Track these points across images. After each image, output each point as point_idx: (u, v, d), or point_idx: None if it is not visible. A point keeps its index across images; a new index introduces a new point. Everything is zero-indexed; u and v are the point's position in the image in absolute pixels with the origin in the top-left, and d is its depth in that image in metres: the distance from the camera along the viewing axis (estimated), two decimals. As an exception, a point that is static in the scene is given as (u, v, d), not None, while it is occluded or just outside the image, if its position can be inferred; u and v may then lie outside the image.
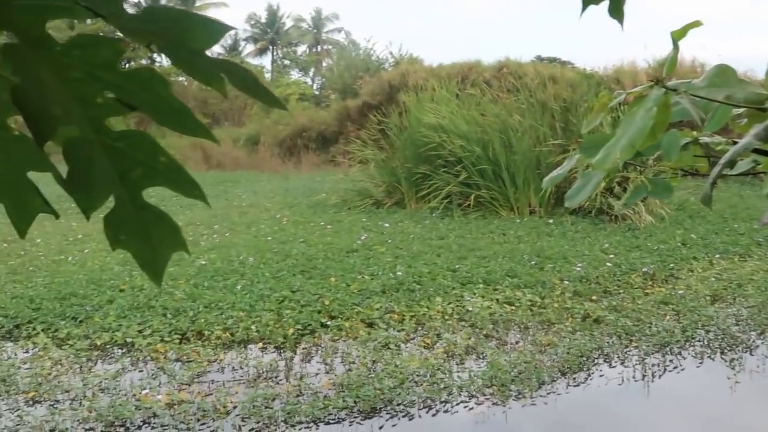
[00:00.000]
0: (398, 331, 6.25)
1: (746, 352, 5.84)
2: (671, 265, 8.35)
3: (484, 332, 6.23)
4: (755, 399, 5.25)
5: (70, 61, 0.67)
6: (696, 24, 1.53)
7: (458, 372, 5.43)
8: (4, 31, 0.68)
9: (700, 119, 1.55)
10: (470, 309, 6.73)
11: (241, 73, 0.69)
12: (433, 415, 4.82)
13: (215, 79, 0.68)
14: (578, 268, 8.04)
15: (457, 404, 4.96)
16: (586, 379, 5.39)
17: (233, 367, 5.54)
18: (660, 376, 5.46)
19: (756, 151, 1.69)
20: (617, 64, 21.13)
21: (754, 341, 6.05)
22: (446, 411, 4.88)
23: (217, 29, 0.66)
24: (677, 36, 1.53)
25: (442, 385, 5.16)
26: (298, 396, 5.02)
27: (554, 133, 12.64)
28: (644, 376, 5.45)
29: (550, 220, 11.14)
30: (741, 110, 1.63)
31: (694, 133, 1.82)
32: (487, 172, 12.23)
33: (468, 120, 13.16)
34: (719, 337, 6.15)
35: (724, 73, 1.51)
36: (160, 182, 0.72)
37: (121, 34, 0.66)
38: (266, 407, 4.82)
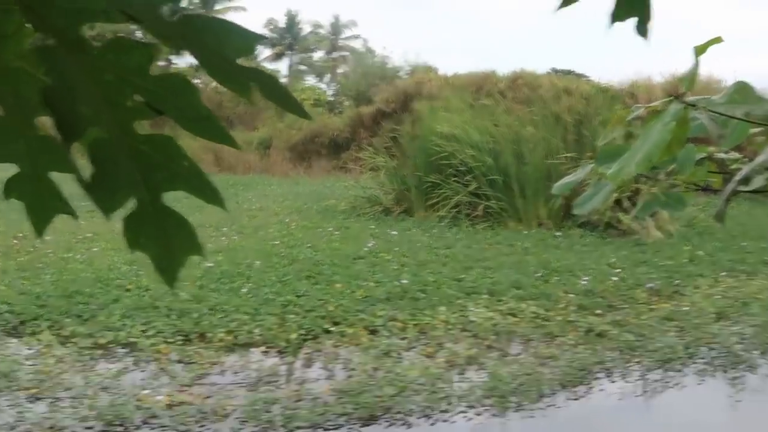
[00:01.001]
0: (401, 339, 6.25)
1: (749, 370, 5.80)
2: (677, 281, 8.31)
3: (487, 343, 6.23)
4: (756, 418, 5.22)
5: (103, 64, 0.68)
6: (717, 40, 1.54)
7: (459, 382, 5.44)
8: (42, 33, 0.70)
9: (719, 136, 1.56)
10: (474, 319, 6.72)
11: (271, 83, 0.70)
12: (432, 424, 4.83)
13: (246, 89, 0.70)
14: (584, 282, 8.02)
15: (456, 414, 4.96)
16: (586, 393, 5.38)
17: (235, 371, 5.56)
18: (661, 392, 5.44)
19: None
20: (633, 78, 21.11)
21: (756, 360, 6.01)
22: (445, 420, 4.88)
23: (251, 38, 0.68)
24: (698, 52, 1.54)
25: (441, 395, 5.16)
26: (297, 401, 5.03)
27: (567, 145, 12.62)
28: (645, 391, 5.43)
29: (558, 233, 11.12)
30: (760, 128, 1.63)
31: (710, 148, 1.83)
32: (497, 183, 12.22)
33: (481, 130, 13.18)
34: (722, 355, 6.11)
35: (743, 90, 1.52)
36: (182, 186, 0.73)
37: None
38: (266, 411, 4.84)
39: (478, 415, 4.96)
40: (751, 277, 8.56)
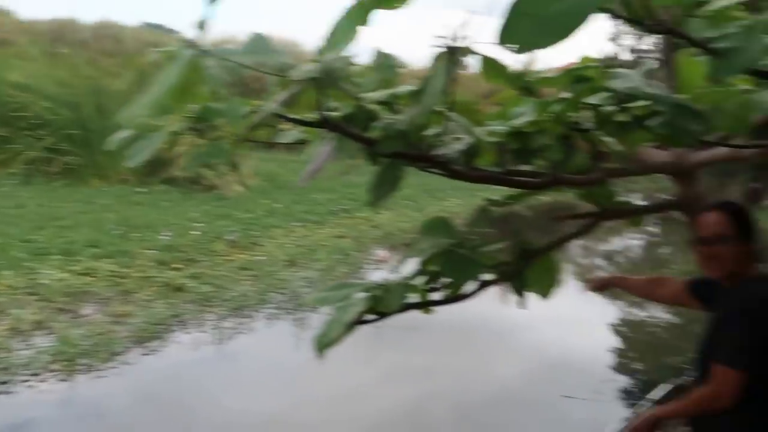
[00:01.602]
0: (-49, 311, 5.61)
1: (311, 311, 6.36)
2: (255, 232, 8.76)
3: (57, 306, 5.90)
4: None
5: None
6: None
7: (23, 350, 5.07)
8: None
9: (229, 84, 1.61)
10: (44, 282, 6.30)
11: None
12: (-13, 398, 4.43)
13: None
14: (164, 237, 8.01)
15: (18, 384, 4.62)
16: (160, 346, 5.41)
17: None
18: (234, 338, 5.71)
19: (300, 122, 1.83)
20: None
21: (319, 301, 6.63)
22: (4, 392, 4.52)
23: None
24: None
25: (1, 366, 4.77)
26: None
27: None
28: (219, 339, 5.65)
29: (142, 189, 10.94)
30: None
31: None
32: (76, 138, 11.55)
33: (59, 81, 12.37)
34: (291, 298, 6.62)
35: (259, 42, 1.60)
36: None
37: None
38: None
39: (43, 381, 4.69)
40: (320, 226, 9.41)
